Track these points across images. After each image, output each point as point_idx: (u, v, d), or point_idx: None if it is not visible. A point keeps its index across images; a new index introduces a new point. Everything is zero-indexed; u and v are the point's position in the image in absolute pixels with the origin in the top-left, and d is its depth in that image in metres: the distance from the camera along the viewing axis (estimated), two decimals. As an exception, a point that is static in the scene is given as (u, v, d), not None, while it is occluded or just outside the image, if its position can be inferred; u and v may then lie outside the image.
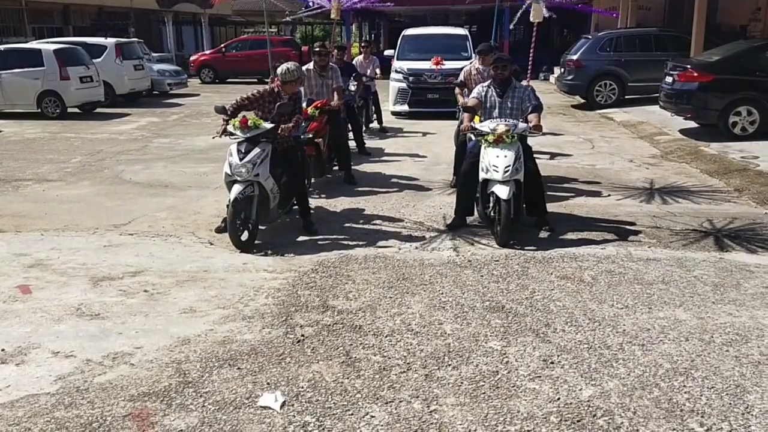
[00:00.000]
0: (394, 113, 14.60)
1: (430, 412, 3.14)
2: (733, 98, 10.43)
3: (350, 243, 5.92)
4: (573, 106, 16.45)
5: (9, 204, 7.44)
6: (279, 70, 6.17)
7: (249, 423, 3.08)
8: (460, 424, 3.05)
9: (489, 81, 6.40)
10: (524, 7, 7.93)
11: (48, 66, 14.74)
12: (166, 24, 32.21)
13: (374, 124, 12.68)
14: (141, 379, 3.50)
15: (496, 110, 6.19)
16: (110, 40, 17.91)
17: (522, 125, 5.99)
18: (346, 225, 6.53)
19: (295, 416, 3.13)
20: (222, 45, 27.78)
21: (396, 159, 9.97)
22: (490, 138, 5.85)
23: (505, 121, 6.00)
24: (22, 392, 3.38)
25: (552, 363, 3.61)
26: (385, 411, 3.16)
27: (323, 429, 3.03)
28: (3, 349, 3.85)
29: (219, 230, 6.16)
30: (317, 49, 8.22)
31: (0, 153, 10.58)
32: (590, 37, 16.66)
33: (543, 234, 6.11)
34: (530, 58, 8.85)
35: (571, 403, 3.21)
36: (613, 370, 3.53)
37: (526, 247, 5.71)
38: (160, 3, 30.35)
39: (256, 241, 5.85)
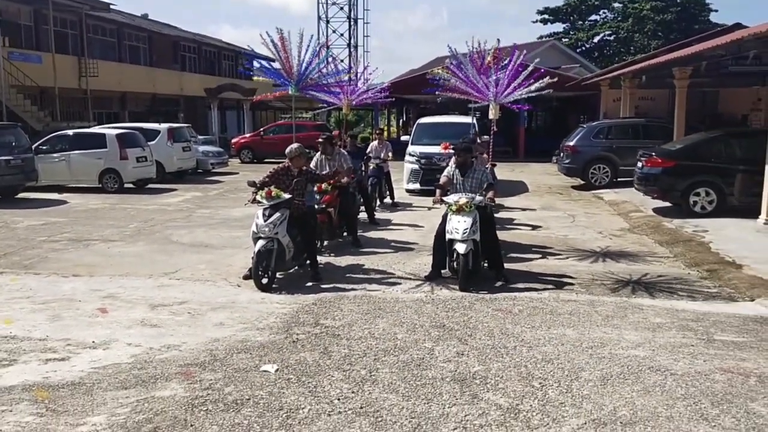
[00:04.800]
0: (408, 191, 16.56)
1: (370, 374, 4.83)
2: (692, 181, 12.06)
3: (346, 287, 7.65)
4: (573, 187, 18.18)
5: (82, 257, 9.41)
6: (286, 150, 8.10)
7: (253, 378, 4.80)
8: (387, 380, 4.72)
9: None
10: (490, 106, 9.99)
11: (110, 148, 17.21)
12: (212, 109, 35.31)
13: (387, 200, 14.60)
14: (186, 357, 5.27)
15: (460, 186, 8.00)
16: (164, 126, 20.52)
17: (479, 198, 7.77)
18: (347, 275, 8.29)
19: (283, 375, 4.84)
20: (261, 129, 30.55)
21: (399, 228, 11.79)
22: (454, 208, 7.65)
23: (466, 194, 7.80)
24: (109, 362, 5.17)
25: (462, 354, 5.26)
26: (341, 374, 4.86)
27: (300, 382, 4.72)
28: (93, 341, 5.66)
29: (246, 277, 7.97)
30: (320, 140, 10.28)
31: (70, 220, 12.72)
32: (585, 126, 18.60)
33: (498, 283, 7.77)
34: (490, 144, 10.89)
35: (462, 372, 4.87)
36: (501, 358, 5.17)
37: (480, 291, 7.36)
38: (207, 92, 33.48)
39: (274, 285, 7.63)
